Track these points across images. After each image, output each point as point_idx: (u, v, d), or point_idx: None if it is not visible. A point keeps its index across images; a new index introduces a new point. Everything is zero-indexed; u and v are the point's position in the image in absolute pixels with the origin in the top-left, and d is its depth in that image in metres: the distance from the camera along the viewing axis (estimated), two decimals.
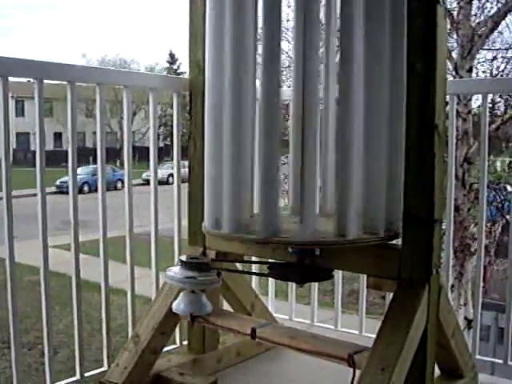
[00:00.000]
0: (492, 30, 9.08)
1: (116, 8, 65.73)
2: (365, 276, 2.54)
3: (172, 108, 2.74)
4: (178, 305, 2.28)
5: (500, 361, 2.64)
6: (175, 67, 45.48)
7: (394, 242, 2.10)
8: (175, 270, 2.23)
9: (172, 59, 46.90)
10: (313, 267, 2.17)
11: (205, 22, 2.21)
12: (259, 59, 2.06)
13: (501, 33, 9.79)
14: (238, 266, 2.70)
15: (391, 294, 2.08)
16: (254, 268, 2.90)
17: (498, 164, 11.09)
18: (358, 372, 1.90)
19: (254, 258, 2.69)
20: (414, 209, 1.99)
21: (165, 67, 45.34)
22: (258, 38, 2.10)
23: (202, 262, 2.27)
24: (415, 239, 2.00)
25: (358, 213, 2.02)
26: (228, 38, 2.08)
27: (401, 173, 2.01)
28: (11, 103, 37.33)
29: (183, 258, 2.26)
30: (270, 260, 2.34)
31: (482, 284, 2.72)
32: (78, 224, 2.38)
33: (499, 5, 9.22)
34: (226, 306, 2.68)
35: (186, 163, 2.56)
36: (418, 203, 1.98)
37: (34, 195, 2.27)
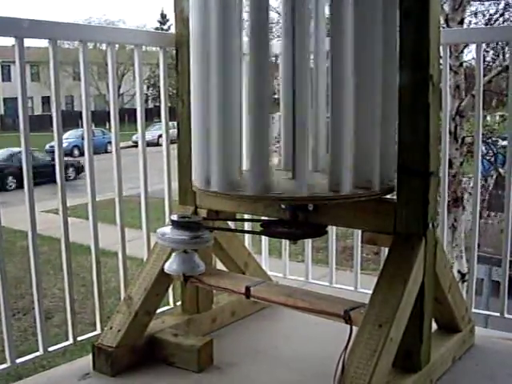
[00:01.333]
0: None
1: None
2: (359, 232, 2.51)
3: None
4: (171, 265, 2.24)
5: (496, 314, 2.63)
6: (165, 27, 44.87)
7: (389, 196, 2.06)
8: (166, 230, 2.19)
9: (163, 19, 46.22)
10: (306, 224, 2.13)
11: None
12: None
13: None
14: (231, 224, 2.66)
15: (386, 250, 2.05)
16: (247, 226, 2.87)
17: (488, 118, 11.05)
18: (354, 328, 1.88)
19: (246, 216, 2.64)
20: (408, 161, 1.94)
21: (154, 27, 44.73)
22: None
23: (193, 220, 2.23)
24: (410, 192, 1.95)
25: (351, 167, 1.96)
26: None
27: (395, 125, 1.96)
28: None
29: (174, 217, 2.22)
30: (262, 217, 2.30)
31: (477, 239, 2.68)
32: (65, 188, 2.32)
33: None
34: (220, 266, 2.65)
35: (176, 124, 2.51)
36: (412, 155, 1.93)
37: None
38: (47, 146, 21.07)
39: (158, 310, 2.46)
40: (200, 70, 2.08)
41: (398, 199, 1.99)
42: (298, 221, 2.11)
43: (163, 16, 46.35)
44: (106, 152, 13.45)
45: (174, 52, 2.48)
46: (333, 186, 1.95)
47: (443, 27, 7.44)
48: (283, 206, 2.13)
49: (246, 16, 1.98)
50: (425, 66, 1.88)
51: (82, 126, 2.40)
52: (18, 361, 2.25)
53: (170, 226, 2.19)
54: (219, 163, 2.01)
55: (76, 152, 21.39)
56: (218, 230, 2.34)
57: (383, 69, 1.96)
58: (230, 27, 1.99)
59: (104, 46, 2.54)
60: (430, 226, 1.98)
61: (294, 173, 1.96)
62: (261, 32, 1.93)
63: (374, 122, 1.97)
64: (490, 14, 9.81)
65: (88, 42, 2.40)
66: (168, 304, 2.75)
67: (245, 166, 2.08)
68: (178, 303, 2.67)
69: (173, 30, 2.52)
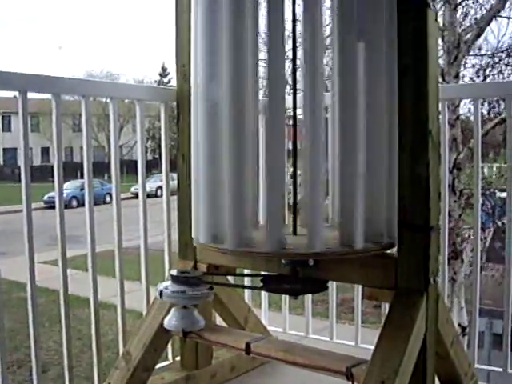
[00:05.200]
0: (478, 36, 9.12)
1: (102, 19, 64.35)
2: (360, 286, 2.49)
3: (160, 121, 2.68)
4: (170, 320, 2.22)
5: (499, 369, 2.59)
6: (166, 80, 45.29)
7: (389, 250, 2.05)
8: (166, 285, 2.18)
9: (164, 72, 46.64)
10: (307, 279, 2.11)
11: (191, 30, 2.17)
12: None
13: (486, 38, 9.84)
14: (230, 279, 2.64)
15: (387, 304, 2.03)
16: (247, 281, 2.85)
17: (486, 170, 11.10)
18: None
19: (246, 271, 2.63)
20: (409, 216, 1.94)
21: (155, 80, 45.21)
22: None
23: (193, 276, 2.22)
24: (411, 247, 1.95)
25: (363, 222, 1.98)
26: (225, 44, 2.03)
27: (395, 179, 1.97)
28: None
29: (174, 272, 2.21)
30: (262, 272, 2.28)
31: (478, 293, 2.66)
32: (65, 239, 2.32)
33: (484, 11, 9.26)
34: (219, 321, 2.62)
35: (175, 175, 2.51)
36: (413, 210, 1.93)
37: (21, 211, 2.21)
38: (45, 197, 21.07)
39: (157, 366, 2.42)
40: (207, 124, 2.10)
41: (399, 254, 1.98)
42: (298, 276, 2.10)
43: (164, 69, 46.80)
44: (105, 203, 13.45)
45: (175, 107, 2.51)
46: (342, 241, 1.97)
47: (440, 82, 7.55)
48: (283, 261, 2.12)
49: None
50: (424, 121, 1.90)
51: (81, 177, 2.41)
52: None
53: (170, 281, 2.18)
54: (231, 220, 2.01)
55: (74, 203, 21.37)
56: (217, 285, 2.32)
57: (389, 122, 1.98)
58: (243, 81, 2.03)
59: (104, 98, 2.57)
60: (432, 280, 1.96)
61: (309, 229, 1.96)
62: (277, 88, 1.98)
63: (380, 181, 1.98)
64: (482, 66, 9.93)
65: (91, 96, 2.42)
66: (167, 359, 2.71)
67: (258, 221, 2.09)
68: (177, 358, 2.63)
69: (174, 83, 2.55)
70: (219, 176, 2.05)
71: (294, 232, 2.14)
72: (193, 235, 2.18)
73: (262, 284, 2.20)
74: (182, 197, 2.44)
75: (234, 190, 2.02)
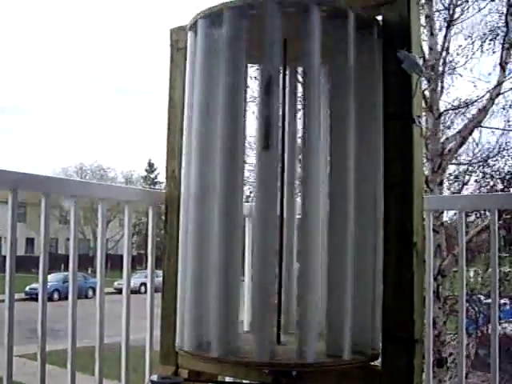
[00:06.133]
0: (460, 145, 9.36)
1: (93, 114, 65.20)
2: None
3: (146, 217, 2.69)
4: None
5: None
6: (153, 176, 45.67)
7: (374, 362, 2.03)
8: None
9: (150, 168, 47.03)
10: None
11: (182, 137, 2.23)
12: None
13: (468, 148, 10.12)
14: None
15: None
16: None
17: (471, 274, 11.12)
18: None
19: (227, 379, 2.58)
20: (393, 329, 1.94)
21: (142, 176, 45.58)
22: None
23: (174, 382, 2.18)
24: (395, 360, 1.94)
25: (321, 334, 1.97)
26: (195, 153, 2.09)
27: (374, 291, 1.98)
28: None
29: (154, 378, 2.17)
30: (244, 381, 2.25)
31: None
32: (45, 334, 2.26)
33: (466, 121, 9.57)
34: None
35: (159, 272, 2.50)
36: (397, 323, 1.94)
37: (2, 301, 2.17)
38: (27, 288, 20.73)
39: None
40: (196, 229, 2.13)
41: (383, 366, 1.97)
42: None
43: (150, 165, 47.30)
44: (87, 297, 13.26)
45: (164, 208, 2.52)
46: (301, 353, 1.92)
47: (424, 190, 7.67)
48: (266, 371, 2.09)
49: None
50: (409, 234, 1.93)
51: (65, 270, 2.39)
52: None
53: None
54: (217, 327, 1.97)
55: (56, 296, 21.01)
56: None
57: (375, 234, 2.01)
58: (236, 185, 2.06)
59: None
60: None
61: (296, 339, 1.95)
62: (267, 191, 2.00)
63: (346, 288, 1.96)
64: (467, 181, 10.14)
65: (80, 197, 2.44)
66: None
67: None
68: None
69: (161, 178, 2.58)
70: (207, 283, 2.03)
71: (278, 340, 2.12)
72: (176, 342, 2.14)
73: None
74: (166, 301, 2.42)
75: (218, 298, 1.98)
